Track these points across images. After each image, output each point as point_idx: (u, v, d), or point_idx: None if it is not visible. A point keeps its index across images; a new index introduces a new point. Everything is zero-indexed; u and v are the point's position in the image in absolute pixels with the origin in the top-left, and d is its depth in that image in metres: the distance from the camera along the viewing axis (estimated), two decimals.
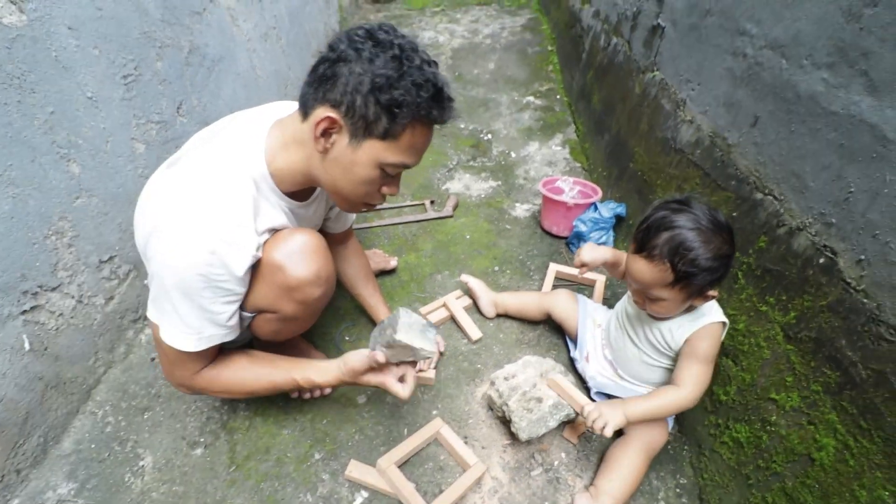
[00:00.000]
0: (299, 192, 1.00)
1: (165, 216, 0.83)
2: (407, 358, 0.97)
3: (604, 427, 0.98)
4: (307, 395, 1.23)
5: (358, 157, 0.86)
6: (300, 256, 0.92)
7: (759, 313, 1.01)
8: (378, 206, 1.95)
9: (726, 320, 1.02)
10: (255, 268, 0.91)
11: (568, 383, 1.11)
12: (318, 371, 1.02)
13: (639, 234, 0.99)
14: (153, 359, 1.35)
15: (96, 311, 1.27)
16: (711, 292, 0.96)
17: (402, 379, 1.00)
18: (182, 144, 1.01)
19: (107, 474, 1.10)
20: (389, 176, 0.92)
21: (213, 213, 0.83)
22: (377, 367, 0.97)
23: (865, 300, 0.79)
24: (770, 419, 0.94)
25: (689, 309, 1.03)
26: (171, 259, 0.82)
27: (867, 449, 0.76)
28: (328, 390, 1.26)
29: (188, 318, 0.87)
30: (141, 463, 1.13)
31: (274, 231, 0.95)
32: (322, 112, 0.83)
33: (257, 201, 0.90)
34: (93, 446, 1.16)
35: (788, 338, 0.93)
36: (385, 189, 0.95)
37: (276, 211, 0.95)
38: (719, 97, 1.25)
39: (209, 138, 0.94)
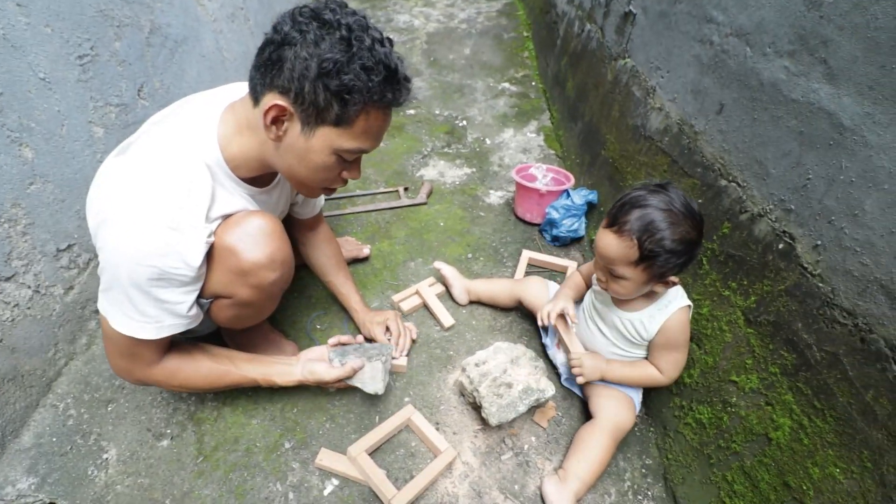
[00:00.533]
0: (259, 177, 0.97)
1: (115, 205, 0.80)
2: (357, 384, 1.10)
3: (580, 374, 1.11)
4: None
5: (312, 145, 0.83)
6: (253, 239, 0.90)
7: (722, 298, 1.04)
8: (352, 194, 1.94)
9: (690, 303, 1.04)
10: (209, 252, 0.89)
11: (570, 328, 1.21)
12: (279, 374, 1.04)
13: (612, 209, 0.99)
14: None
15: (55, 301, 1.22)
16: (672, 278, 0.97)
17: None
18: None
19: (69, 468, 1.08)
20: (347, 161, 0.89)
21: (165, 202, 0.80)
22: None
23: (821, 284, 0.82)
24: (731, 401, 0.97)
25: (650, 295, 1.04)
26: (123, 250, 0.79)
27: (820, 428, 0.79)
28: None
29: (145, 308, 0.85)
30: (105, 456, 1.10)
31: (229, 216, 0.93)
32: (270, 99, 0.79)
33: (212, 188, 0.87)
34: (54, 440, 1.12)
35: (749, 321, 0.96)
36: (345, 174, 0.93)
37: (234, 198, 0.93)
38: (687, 84, 1.26)
39: (159, 121, 0.91)
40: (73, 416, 1.17)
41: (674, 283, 0.99)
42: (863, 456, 0.71)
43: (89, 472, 1.07)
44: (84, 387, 1.23)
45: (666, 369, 1.07)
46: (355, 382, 1.09)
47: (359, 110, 0.80)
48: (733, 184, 1.05)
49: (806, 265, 0.85)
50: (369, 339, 1.34)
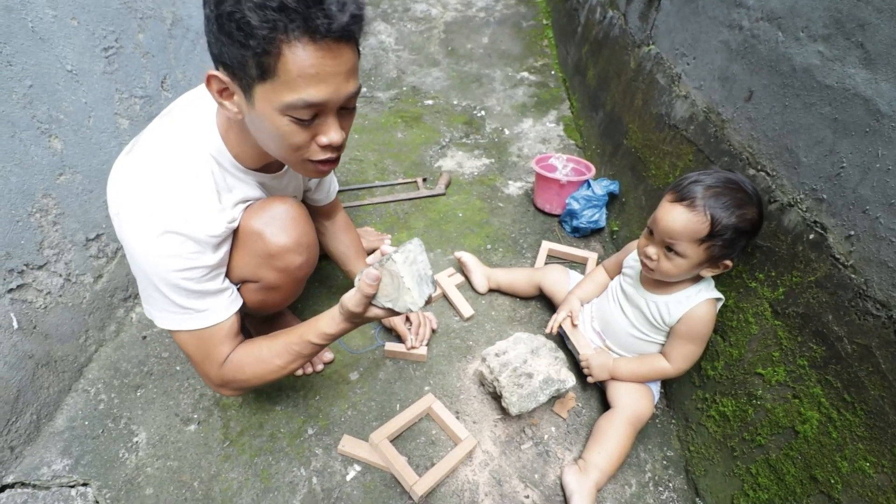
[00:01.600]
0: (269, 164, 0.97)
1: (124, 202, 0.82)
2: (387, 303, 0.83)
3: (589, 375, 1.15)
4: (299, 372, 1.24)
5: (258, 112, 0.74)
6: (280, 223, 0.92)
7: (748, 289, 1.02)
8: (370, 185, 1.94)
9: (721, 296, 1.02)
10: (235, 236, 0.90)
11: (578, 331, 1.23)
12: (326, 323, 0.91)
13: (679, 185, 0.97)
14: (144, 337, 1.35)
15: (85, 289, 1.26)
16: (727, 262, 0.96)
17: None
18: None
19: (101, 450, 1.11)
20: (308, 120, 0.75)
21: (172, 194, 0.82)
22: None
23: (853, 276, 0.80)
24: (756, 393, 0.95)
25: (692, 280, 1.03)
26: (139, 244, 0.81)
27: (850, 422, 0.77)
28: (320, 366, 1.26)
29: (176, 298, 0.86)
30: (135, 439, 1.13)
31: (248, 202, 0.94)
32: (208, 74, 0.74)
33: (223, 176, 0.89)
34: (86, 423, 1.16)
35: (776, 313, 0.94)
36: (321, 138, 0.78)
37: (246, 186, 0.94)
38: (714, 71, 1.23)
39: (165, 114, 0.92)
40: (104, 400, 1.21)
41: (727, 268, 0.97)
42: (894, 450, 0.70)
43: (120, 455, 1.10)
44: (114, 372, 1.26)
45: (676, 360, 1.06)
46: (384, 302, 0.83)
47: (274, 53, 0.67)
48: (762, 173, 1.03)
49: (838, 256, 0.83)
50: (388, 329, 1.35)
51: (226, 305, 0.93)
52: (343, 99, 0.75)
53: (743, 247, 0.95)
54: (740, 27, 1.13)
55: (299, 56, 0.68)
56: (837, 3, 0.85)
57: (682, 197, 0.95)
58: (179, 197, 0.82)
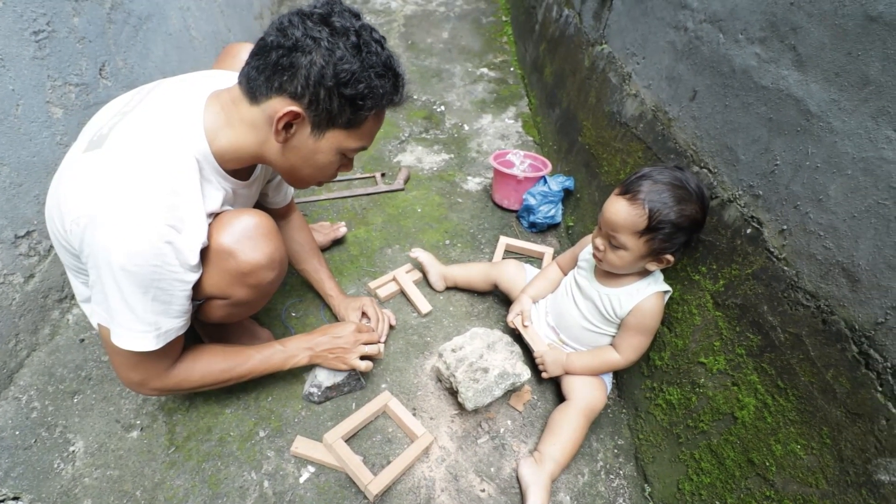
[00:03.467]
0: (241, 170, 0.95)
1: (102, 205, 0.75)
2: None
3: (543, 371, 1.18)
4: None
5: (320, 147, 0.87)
6: (251, 241, 0.89)
7: (692, 282, 1.06)
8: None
9: (669, 289, 1.06)
10: (203, 254, 0.86)
11: (532, 329, 1.24)
12: (285, 360, 1.10)
13: (627, 180, 1.01)
14: (82, 340, 1.27)
15: (14, 290, 1.17)
16: (668, 256, 0.99)
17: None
18: None
19: (34, 461, 1.04)
20: (346, 158, 0.93)
21: (161, 199, 0.77)
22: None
23: (786, 268, 0.84)
24: (699, 381, 0.99)
25: (641, 274, 1.06)
26: (120, 251, 0.75)
27: (783, 407, 0.81)
28: None
29: (143, 313, 0.81)
30: (71, 448, 1.07)
31: (214, 214, 0.90)
32: (282, 105, 0.80)
33: (201, 183, 0.85)
34: (17, 433, 1.09)
35: (717, 305, 0.98)
36: (341, 169, 0.97)
37: (217, 192, 0.90)
38: (662, 71, 1.27)
39: (128, 111, 0.86)
40: (37, 408, 1.13)
41: (669, 263, 1.00)
42: (822, 432, 0.74)
43: (55, 466, 1.04)
44: (48, 378, 1.19)
45: (626, 351, 1.10)
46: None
47: (368, 115, 0.85)
48: (705, 170, 1.07)
49: (772, 249, 0.87)
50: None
51: (178, 326, 0.89)
52: None
53: (683, 242, 0.98)
54: (685, 28, 1.17)
55: (379, 118, 0.90)
56: (773, 6, 0.89)
57: (626, 191, 0.98)
58: (171, 204, 0.78)
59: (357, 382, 1.20)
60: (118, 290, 0.78)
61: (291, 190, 1.29)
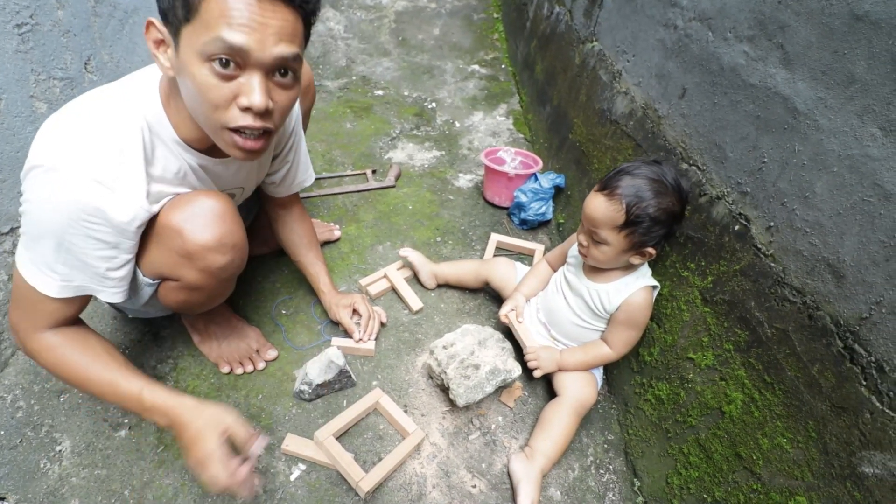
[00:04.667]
0: (217, 146, 0.88)
1: (42, 153, 0.75)
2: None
3: (536, 368, 1.14)
4: (238, 371, 1.20)
5: (181, 59, 0.71)
6: (201, 220, 0.85)
7: (681, 278, 1.07)
8: (318, 176, 1.88)
9: (657, 284, 1.07)
10: (152, 229, 0.84)
11: (524, 326, 1.23)
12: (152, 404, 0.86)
13: (606, 176, 1.02)
14: None
15: None
16: (650, 249, 1.00)
17: None
18: None
19: (19, 461, 1.03)
20: (231, 76, 0.71)
21: (93, 152, 0.75)
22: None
23: (773, 264, 0.85)
24: (688, 377, 1.00)
25: (627, 269, 1.07)
26: (43, 198, 0.74)
27: (770, 401, 0.82)
28: (262, 364, 1.22)
29: (54, 262, 0.80)
30: (58, 448, 1.06)
31: (173, 188, 0.88)
32: (147, 21, 0.74)
33: (152, 146, 0.83)
34: (2, 433, 1.07)
35: (705, 301, 0.99)
36: (241, 99, 0.72)
37: (175, 161, 0.87)
38: (652, 68, 1.27)
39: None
40: (23, 407, 1.12)
41: (651, 255, 1.01)
42: (808, 426, 0.75)
43: (42, 465, 1.02)
44: (34, 377, 1.17)
45: (616, 345, 1.11)
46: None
47: None
48: (693, 167, 1.08)
49: (760, 246, 0.88)
50: (335, 324, 1.32)
51: (95, 289, 0.85)
52: (270, 59, 0.70)
53: (663, 235, 0.99)
54: (675, 26, 1.17)
55: None
56: (761, 5, 0.90)
57: (605, 186, 1.00)
58: (103, 159, 0.76)
59: (348, 380, 1.20)
60: (38, 232, 0.78)
61: (297, 184, 1.26)
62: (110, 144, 0.77)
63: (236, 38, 0.67)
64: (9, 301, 1.18)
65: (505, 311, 1.26)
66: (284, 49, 0.71)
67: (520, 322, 1.24)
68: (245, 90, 0.72)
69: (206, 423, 0.83)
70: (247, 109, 0.73)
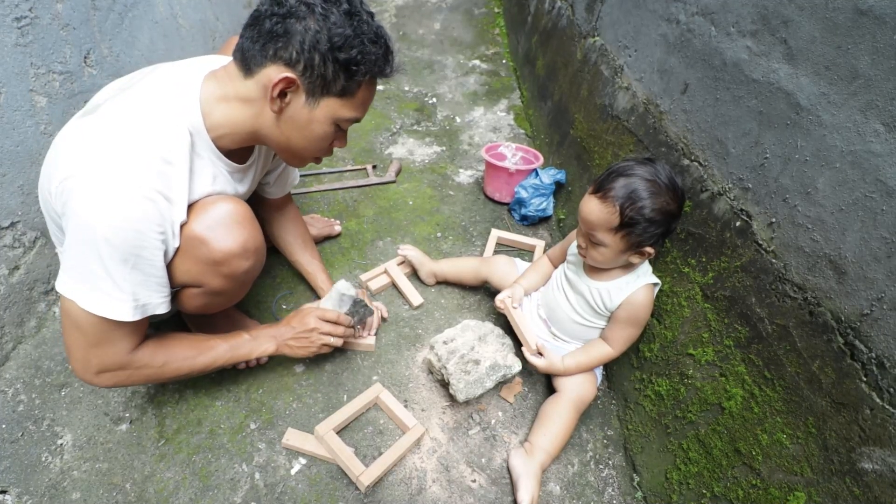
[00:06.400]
0: (237, 152, 0.94)
1: (87, 167, 0.74)
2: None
3: (542, 364, 1.13)
4: (242, 366, 1.20)
5: (315, 116, 0.86)
6: (224, 228, 0.87)
7: (682, 274, 1.07)
8: (319, 172, 1.89)
9: (658, 281, 1.06)
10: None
11: (519, 313, 1.20)
12: (252, 350, 1.08)
13: (600, 177, 1.01)
14: None
15: None
16: (648, 249, 0.99)
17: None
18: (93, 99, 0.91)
19: (21, 455, 1.03)
20: (341, 130, 0.93)
21: (152, 165, 0.76)
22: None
23: (774, 261, 0.85)
24: (687, 373, 1.00)
25: (627, 267, 1.07)
26: (103, 215, 0.73)
27: (770, 397, 0.82)
28: (265, 359, 1.22)
29: (122, 281, 0.78)
30: (59, 441, 1.06)
31: (206, 195, 0.90)
32: (276, 72, 0.80)
33: (193, 156, 0.85)
34: (3, 426, 1.07)
35: (706, 297, 0.99)
36: (336, 143, 0.96)
37: (209, 170, 0.89)
38: (654, 64, 1.27)
39: (127, 87, 0.85)
40: (24, 401, 1.12)
41: (650, 255, 1.01)
42: (808, 422, 0.75)
43: (43, 459, 1.03)
44: (35, 371, 1.17)
45: (617, 343, 1.10)
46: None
47: (361, 81, 0.85)
48: (695, 163, 1.07)
49: (761, 242, 0.88)
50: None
51: (158, 304, 0.86)
52: None
53: (661, 235, 0.97)
54: (677, 21, 1.17)
55: (371, 88, 0.90)
56: None
57: (598, 188, 0.99)
58: (159, 168, 0.77)
59: (366, 309, 1.18)
60: (99, 255, 0.75)
61: (290, 183, 1.28)
62: (160, 155, 0.78)
63: (362, 116, 0.93)
64: (8, 298, 1.18)
65: (501, 298, 1.23)
66: None
67: (515, 308, 1.22)
68: (340, 139, 0.97)
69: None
70: (333, 149, 0.98)
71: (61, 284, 0.80)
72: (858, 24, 0.71)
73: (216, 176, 0.92)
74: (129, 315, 0.82)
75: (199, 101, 0.85)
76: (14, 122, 1.16)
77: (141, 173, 0.76)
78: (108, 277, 0.77)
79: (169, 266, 0.87)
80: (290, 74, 0.80)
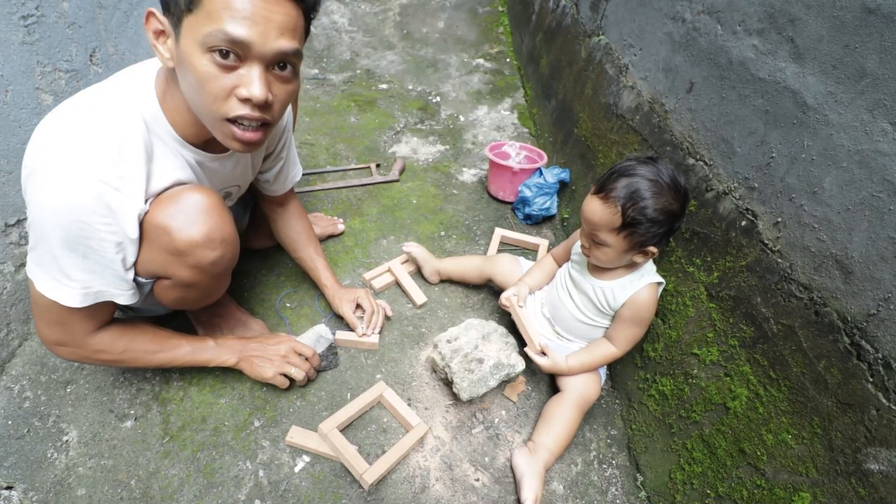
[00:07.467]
0: (213, 141, 0.89)
1: (44, 157, 0.74)
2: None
3: (548, 364, 1.12)
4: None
5: (182, 49, 0.71)
6: (188, 216, 0.84)
7: (687, 274, 1.06)
8: (322, 170, 1.89)
9: (662, 280, 1.06)
10: (141, 228, 0.83)
11: (524, 313, 1.20)
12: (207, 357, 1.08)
13: (602, 177, 1.00)
14: None
15: (5, 279, 1.16)
16: (651, 248, 0.99)
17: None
18: None
19: (27, 451, 1.04)
20: (232, 67, 0.71)
21: (97, 152, 0.75)
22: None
23: (780, 260, 0.84)
24: (692, 372, 1.00)
25: (631, 266, 1.06)
26: (50, 203, 0.73)
27: (775, 397, 0.82)
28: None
29: (71, 270, 0.79)
30: (65, 438, 1.07)
31: (173, 185, 0.87)
32: (147, 11, 0.74)
33: (150, 144, 0.82)
34: (9, 423, 1.08)
35: (711, 296, 0.99)
36: (240, 90, 0.72)
37: (176, 159, 0.87)
38: (659, 62, 1.26)
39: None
40: (30, 398, 1.13)
41: (653, 254, 1.00)
42: (813, 423, 0.75)
43: (49, 455, 1.03)
44: (40, 368, 1.18)
45: (621, 343, 1.10)
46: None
47: None
48: (700, 162, 1.07)
49: (766, 241, 0.88)
50: (339, 317, 1.32)
51: (114, 293, 0.86)
52: (271, 52, 0.71)
53: (664, 234, 0.97)
54: (683, 19, 1.16)
55: None
56: None
57: (600, 189, 0.99)
58: (108, 159, 0.76)
59: (335, 357, 1.22)
60: (49, 244, 0.77)
61: (293, 178, 1.27)
62: (111, 144, 0.77)
63: (239, 30, 0.68)
64: (14, 295, 1.19)
65: (507, 294, 1.22)
66: (285, 43, 0.72)
67: (521, 307, 1.22)
68: (245, 81, 0.72)
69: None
70: (246, 100, 0.73)
71: (28, 265, 0.83)
72: (866, 22, 0.71)
73: (183, 166, 0.89)
74: (77, 301, 0.82)
75: (154, 90, 0.83)
76: (20, 120, 1.16)
77: (89, 164, 0.74)
78: (56, 264, 0.79)
79: (138, 255, 0.86)
80: (151, 9, 0.73)
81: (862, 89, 0.71)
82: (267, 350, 1.11)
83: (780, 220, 0.86)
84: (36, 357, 1.20)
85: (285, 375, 1.11)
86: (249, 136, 0.78)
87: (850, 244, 0.73)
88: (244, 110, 0.74)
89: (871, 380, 0.67)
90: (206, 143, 0.91)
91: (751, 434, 0.85)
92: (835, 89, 0.76)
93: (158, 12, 0.73)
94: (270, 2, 0.69)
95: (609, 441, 1.16)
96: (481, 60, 2.85)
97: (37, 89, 1.21)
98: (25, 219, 1.19)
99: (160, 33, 0.75)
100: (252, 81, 0.72)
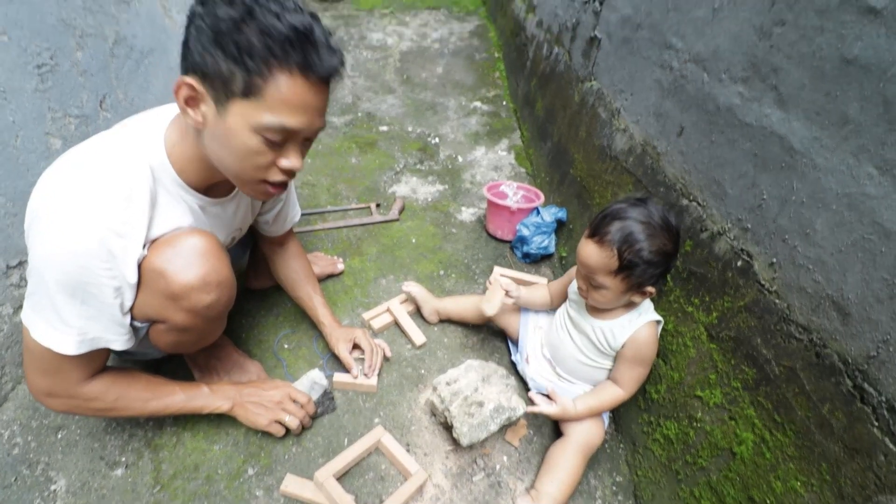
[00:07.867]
0: (215, 187, 0.93)
1: (47, 201, 0.76)
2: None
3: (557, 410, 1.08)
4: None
5: (229, 125, 0.74)
6: (184, 260, 0.85)
7: (686, 314, 1.06)
8: (323, 210, 1.92)
9: (660, 318, 1.06)
10: (139, 270, 0.84)
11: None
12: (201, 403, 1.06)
13: (595, 221, 1.02)
14: None
15: (3, 321, 1.16)
16: (649, 288, 0.99)
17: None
18: None
19: (13, 501, 1.01)
20: (278, 144, 0.78)
21: (102, 199, 0.76)
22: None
23: (777, 301, 0.85)
24: (696, 416, 0.98)
25: (629, 306, 1.06)
26: (52, 247, 0.74)
27: (781, 442, 0.80)
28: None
29: (68, 316, 0.79)
30: (53, 487, 1.03)
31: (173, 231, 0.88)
32: (179, 80, 0.73)
33: (155, 192, 0.84)
34: None
35: (711, 337, 0.98)
36: (283, 162, 0.81)
37: (179, 205, 0.89)
38: (649, 107, 1.30)
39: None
40: (20, 444, 1.10)
41: (651, 294, 1.01)
42: (822, 469, 0.73)
43: None
44: (32, 413, 1.16)
45: (627, 384, 1.08)
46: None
47: (266, 76, 0.70)
48: (694, 203, 1.09)
49: (763, 282, 0.88)
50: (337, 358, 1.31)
51: (111, 340, 0.86)
52: (313, 132, 0.82)
53: (660, 274, 0.98)
54: (671, 67, 1.21)
55: (286, 85, 0.72)
56: (754, 48, 0.93)
57: (594, 232, 1.00)
58: (112, 206, 0.77)
59: (331, 402, 1.20)
60: (47, 289, 0.77)
61: (292, 218, 1.29)
62: (120, 191, 0.78)
63: (294, 123, 0.76)
64: (11, 337, 1.18)
65: (496, 275, 1.21)
66: (322, 122, 0.82)
67: (512, 298, 1.24)
68: (287, 155, 0.81)
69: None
70: (287, 170, 0.83)
71: (24, 311, 0.83)
72: (845, 72, 0.74)
73: (185, 212, 0.90)
74: (72, 349, 0.82)
75: (163, 139, 0.85)
76: (28, 164, 1.19)
77: (96, 210, 0.76)
78: (55, 310, 0.79)
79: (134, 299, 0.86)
80: (188, 80, 0.72)
81: (846, 135, 0.73)
82: (262, 396, 1.09)
83: (774, 260, 0.86)
84: (28, 401, 1.18)
85: (280, 423, 1.09)
86: (277, 190, 0.87)
87: (845, 285, 0.73)
88: (283, 177, 0.84)
89: (876, 424, 0.66)
90: (208, 189, 0.93)
91: (759, 481, 0.83)
92: (820, 134, 0.78)
93: (196, 82, 0.72)
94: (317, 93, 0.76)
95: (615, 488, 1.12)
96: (479, 103, 2.94)
97: (46, 134, 1.24)
98: (26, 261, 1.20)
99: (191, 99, 0.75)
100: (295, 156, 0.82)
